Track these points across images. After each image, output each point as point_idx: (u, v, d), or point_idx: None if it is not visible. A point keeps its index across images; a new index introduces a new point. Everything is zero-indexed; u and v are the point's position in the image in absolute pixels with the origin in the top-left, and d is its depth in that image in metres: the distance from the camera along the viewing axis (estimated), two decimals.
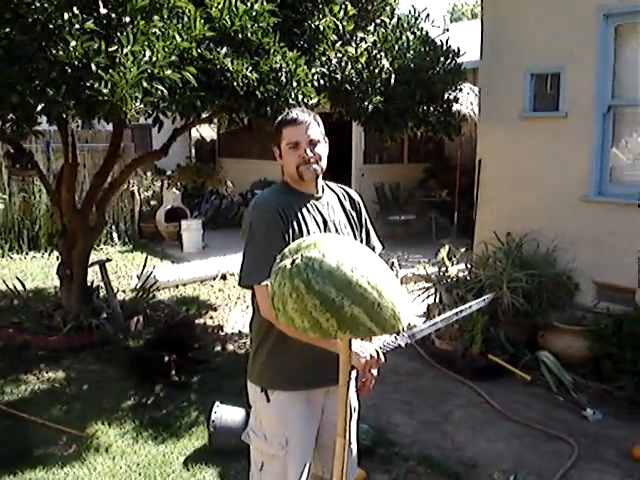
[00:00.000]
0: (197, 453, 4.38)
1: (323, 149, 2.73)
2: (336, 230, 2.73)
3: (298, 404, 2.71)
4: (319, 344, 2.44)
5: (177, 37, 4.45)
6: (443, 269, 6.53)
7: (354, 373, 2.74)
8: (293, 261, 1.97)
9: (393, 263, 8.59)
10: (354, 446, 2.91)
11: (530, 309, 5.81)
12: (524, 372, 5.48)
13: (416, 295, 6.72)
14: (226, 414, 4.29)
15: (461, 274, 6.51)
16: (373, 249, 2.82)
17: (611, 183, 6.03)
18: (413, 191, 12.23)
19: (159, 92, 4.37)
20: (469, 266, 6.55)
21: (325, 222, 2.71)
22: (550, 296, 5.95)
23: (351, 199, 2.90)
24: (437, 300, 6.54)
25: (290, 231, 2.60)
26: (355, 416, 2.92)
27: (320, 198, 2.77)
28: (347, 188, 2.95)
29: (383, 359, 2.57)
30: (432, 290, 6.61)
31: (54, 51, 4.11)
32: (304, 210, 2.69)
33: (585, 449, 4.39)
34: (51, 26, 4.11)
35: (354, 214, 2.88)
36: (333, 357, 2.57)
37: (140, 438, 4.58)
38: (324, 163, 2.73)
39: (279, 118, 2.78)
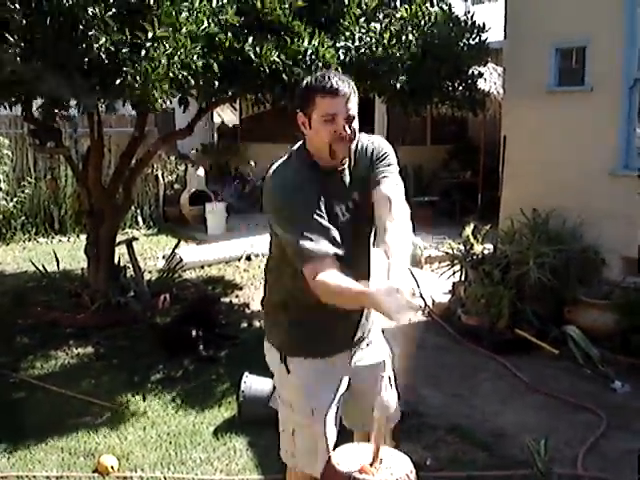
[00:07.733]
0: (227, 423, 4.42)
1: (357, 125, 2.47)
2: (356, 206, 2.56)
3: (319, 373, 2.65)
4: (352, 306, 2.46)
5: (206, 22, 4.46)
6: (468, 246, 6.51)
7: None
8: None
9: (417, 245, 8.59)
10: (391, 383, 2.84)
11: (557, 284, 5.78)
12: (551, 346, 5.48)
13: (441, 272, 6.72)
14: (255, 384, 4.32)
15: (486, 251, 6.49)
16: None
17: (638, 157, 5.97)
18: (436, 173, 12.17)
19: (184, 78, 4.40)
20: (495, 242, 6.53)
21: (346, 199, 2.55)
22: (577, 271, 5.93)
23: (370, 153, 2.60)
24: (462, 277, 6.53)
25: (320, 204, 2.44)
26: (389, 361, 2.81)
27: (343, 170, 2.56)
28: (368, 141, 2.64)
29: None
30: (457, 267, 6.59)
31: (85, 46, 4.12)
32: (326, 188, 2.48)
33: (613, 420, 4.38)
34: (81, 27, 4.09)
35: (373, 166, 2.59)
36: (355, 325, 2.72)
37: (170, 409, 4.64)
38: (356, 140, 2.52)
39: (313, 83, 2.45)
